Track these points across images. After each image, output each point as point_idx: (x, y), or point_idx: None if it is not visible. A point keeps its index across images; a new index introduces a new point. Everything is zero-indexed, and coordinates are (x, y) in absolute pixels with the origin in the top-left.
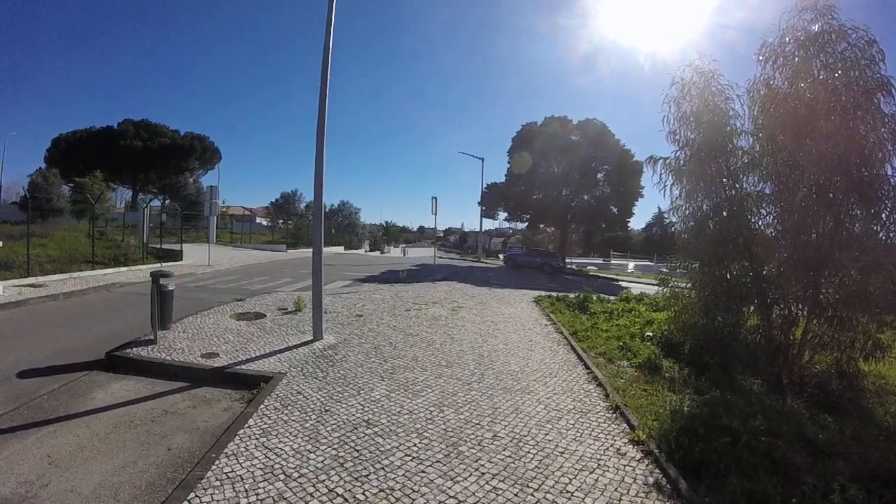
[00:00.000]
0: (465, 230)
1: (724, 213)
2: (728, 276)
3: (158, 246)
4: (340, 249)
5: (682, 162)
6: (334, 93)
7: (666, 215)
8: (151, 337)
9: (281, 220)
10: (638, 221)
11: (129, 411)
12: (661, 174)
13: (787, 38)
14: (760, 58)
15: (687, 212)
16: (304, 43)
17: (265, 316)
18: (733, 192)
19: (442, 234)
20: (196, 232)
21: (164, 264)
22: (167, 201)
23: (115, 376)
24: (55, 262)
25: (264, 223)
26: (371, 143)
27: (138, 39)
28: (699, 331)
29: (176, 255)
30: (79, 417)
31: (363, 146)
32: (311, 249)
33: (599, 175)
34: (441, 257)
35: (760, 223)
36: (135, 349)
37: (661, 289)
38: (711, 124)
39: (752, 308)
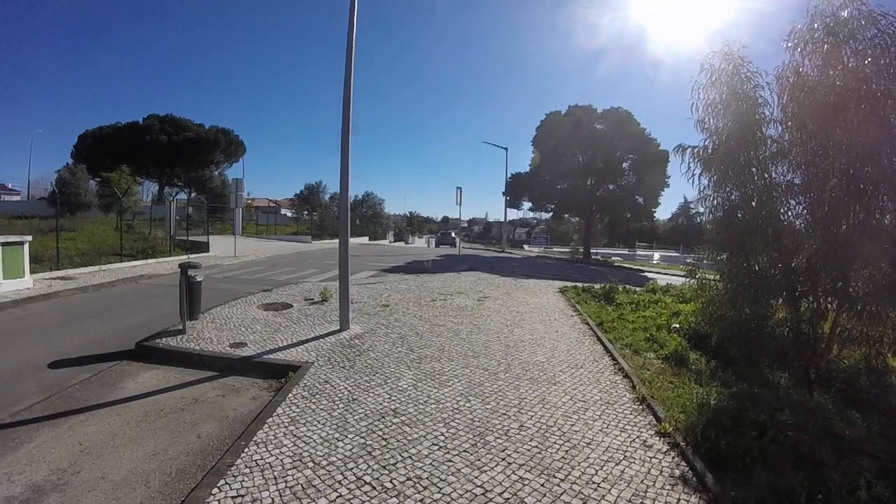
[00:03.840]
0: (490, 220)
1: (753, 204)
2: (756, 268)
3: (185, 238)
4: (365, 240)
5: (710, 151)
6: (358, 82)
7: (692, 205)
8: (180, 327)
9: (306, 212)
10: (664, 212)
11: (159, 400)
12: (689, 163)
13: (816, 24)
14: (789, 44)
15: (715, 202)
16: (328, 32)
17: (292, 306)
18: (762, 182)
19: (466, 225)
20: (222, 224)
21: (190, 256)
22: (193, 194)
23: (145, 366)
24: (84, 255)
25: (289, 215)
26: (395, 134)
27: (161, 35)
28: (726, 323)
29: (202, 247)
30: (110, 406)
31: (387, 136)
32: (335, 240)
33: (625, 164)
34: (465, 248)
35: (790, 214)
36: (164, 339)
37: (687, 280)
38: (740, 112)
39: (780, 301)
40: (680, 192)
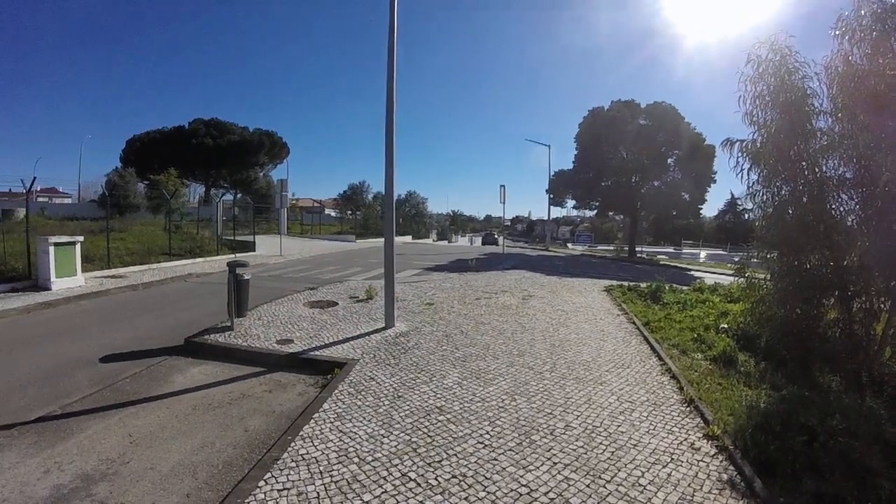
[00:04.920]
0: (532, 219)
1: (804, 199)
2: (807, 266)
3: (232, 238)
4: (409, 239)
5: (759, 144)
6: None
7: (739, 201)
8: (228, 324)
9: (349, 211)
10: (710, 208)
11: (207, 394)
12: (738, 158)
13: (863, 12)
14: (836, 32)
15: (765, 198)
16: (371, 33)
17: (337, 304)
18: (813, 177)
19: (509, 223)
20: (267, 224)
21: (237, 255)
22: (239, 195)
23: (193, 361)
24: (134, 255)
25: (333, 214)
26: (437, 133)
27: (205, 40)
28: (776, 323)
29: (249, 247)
30: (159, 399)
31: (429, 136)
32: (379, 239)
33: (670, 160)
34: (508, 246)
35: (841, 209)
36: (212, 335)
37: (735, 279)
38: (788, 104)
39: (831, 300)
40: (726, 188)
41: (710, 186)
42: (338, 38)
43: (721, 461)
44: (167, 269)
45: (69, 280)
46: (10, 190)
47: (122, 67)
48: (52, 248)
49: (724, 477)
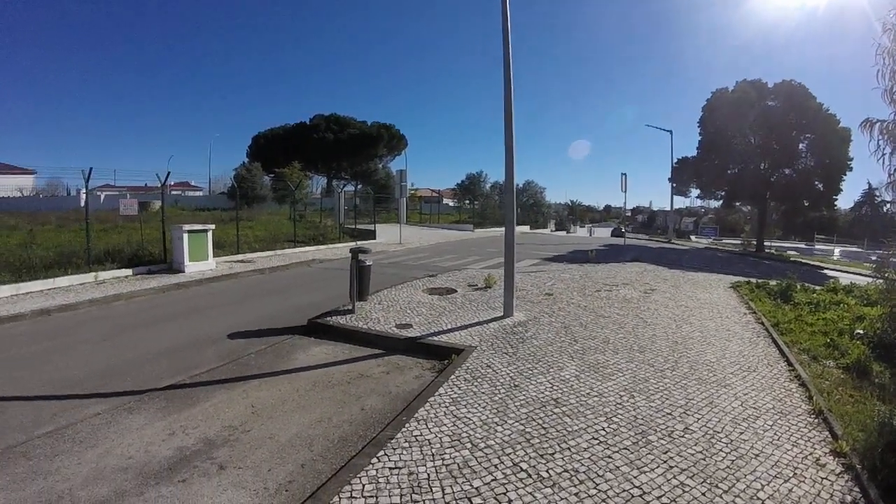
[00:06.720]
0: (654, 209)
1: None
2: None
3: (353, 226)
4: (526, 229)
5: None
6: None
7: (877, 192)
8: (350, 307)
9: (467, 201)
10: (845, 200)
11: (327, 372)
12: (878, 140)
13: None
14: None
15: None
16: (484, 19)
17: (456, 291)
18: None
19: (629, 214)
20: (387, 213)
21: (358, 242)
22: (359, 186)
23: (315, 341)
24: (261, 242)
25: (451, 204)
26: (554, 121)
27: (324, 34)
28: None
29: (369, 235)
30: (281, 375)
31: (547, 124)
32: (496, 229)
33: (801, 145)
34: (628, 238)
35: None
36: (334, 317)
37: (873, 279)
38: None
39: None
40: (863, 177)
41: (845, 175)
42: (452, 29)
43: (846, 481)
44: (291, 255)
45: (201, 264)
46: (145, 185)
47: (244, 62)
48: (186, 235)
49: (848, 499)
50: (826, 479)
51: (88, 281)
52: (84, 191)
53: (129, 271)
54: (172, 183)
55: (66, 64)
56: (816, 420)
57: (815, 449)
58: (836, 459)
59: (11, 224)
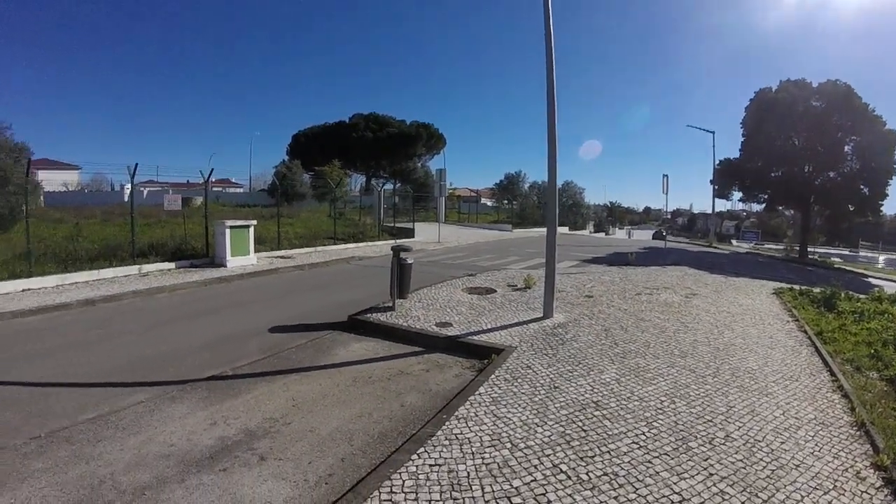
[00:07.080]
0: (694, 212)
1: None
2: None
3: (392, 224)
4: (565, 230)
5: None
6: (561, 78)
7: None
8: (390, 304)
9: (505, 201)
10: (891, 205)
11: (367, 368)
12: None
13: None
14: None
15: None
16: (527, 20)
17: (495, 291)
18: None
19: (669, 216)
20: (425, 212)
21: (397, 240)
22: (398, 184)
23: (355, 337)
24: (301, 238)
25: (489, 203)
26: (594, 123)
27: (364, 35)
28: None
29: (408, 233)
30: (322, 369)
31: (587, 126)
32: (535, 229)
33: (846, 148)
34: (669, 241)
35: None
36: (374, 314)
37: None
38: None
39: None
40: None
41: (891, 179)
42: (495, 29)
43: (886, 495)
44: (331, 251)
45: (243, 259)
46: (187, 181)
47: (287, 63)
48: (228, 231)
49: None
50: (866, 492)
51: (132, 273)
52: (129, 186)
53: (172, 264)
54: (214, 179)
55: (118, 63)
56: (858, 432)
57: (857, 462)
58: (877, 473)
59: (57, 217)
